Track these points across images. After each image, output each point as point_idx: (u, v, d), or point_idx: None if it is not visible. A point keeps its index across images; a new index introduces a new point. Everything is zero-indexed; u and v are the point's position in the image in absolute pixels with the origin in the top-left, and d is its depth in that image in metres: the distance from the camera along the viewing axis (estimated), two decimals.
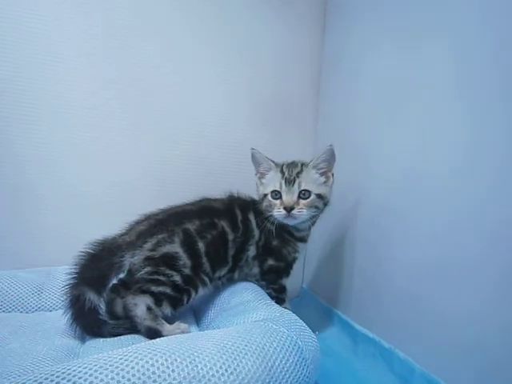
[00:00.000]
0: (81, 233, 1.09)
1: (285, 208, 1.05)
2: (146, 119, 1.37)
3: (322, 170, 1.10)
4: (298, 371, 0.71)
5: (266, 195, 1.11)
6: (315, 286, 1.48)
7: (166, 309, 0.98)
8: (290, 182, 1.07)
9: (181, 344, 0.69)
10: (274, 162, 1.14)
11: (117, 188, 1.36)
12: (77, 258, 0.97)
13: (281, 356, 0.71)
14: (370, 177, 1.16)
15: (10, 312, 1.10)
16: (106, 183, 1.35)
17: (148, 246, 1.01)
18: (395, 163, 1.06)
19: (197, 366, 0.64)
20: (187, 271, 1.01)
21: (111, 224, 1.04)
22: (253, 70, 1.47)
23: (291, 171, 1.09)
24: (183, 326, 0.98)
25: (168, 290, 0.99)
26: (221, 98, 1.45)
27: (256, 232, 1.14)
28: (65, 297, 0.94)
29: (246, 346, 0.70)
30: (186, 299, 1.02)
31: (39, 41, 1.24)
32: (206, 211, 1.11)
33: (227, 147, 1.46)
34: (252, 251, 1.14)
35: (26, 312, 1.12)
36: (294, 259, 1.18)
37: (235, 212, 1.14)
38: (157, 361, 0.63)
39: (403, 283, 0.99)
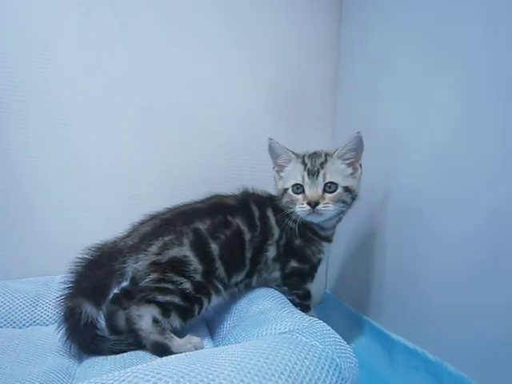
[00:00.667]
0: (80, 240, 0.90)
1: (308, 203, 0.92)
2: (157, 119, 1.28)
3: (348, 161, 0.97)
4: None
5: (286, 190, 0.98)
6: (340, 290, 1.34)
7: (175, 321, 0.86)
8: (313, 173, 0.94)
9: (192, 365, 0.55)
10: (294, 152, 1.01)
11: (121, 191, 1.25)
12: (72, 265, 0.85)
13: (315, 377, 0.57)
14: (400, 166, 1.03)
15: (1, 327, 0.98)
16: (109, 186, 1.24)
17: (153, 249, 0.88)
18: (426, 151, 0.95)
19: None
20: (198, 277, 0.88)
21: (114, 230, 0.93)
22: (268, 62, 1.38)
23: (314, 162, 0.96)
24: (195, 339, 0.86)
25: (177, 300, 0.86)
26: (239, 92, 1.35)
27: (276, 230, 1.01)
28: (58, 309, 0.82)
29: (272, 365, 0.56)
30: (197, 309, 0.89)
31: (36, 38, 1.15)
32: (217, 208, 0.98)
33: (244, 142, 1.35)
34: (272, 252, 1.01)
35: (19, 327, 1.00)
36: (319, 261, 1.05)
37: (251, 208, 1.01)
38: None
39: (451, 285, 0.85)
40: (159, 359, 0.59)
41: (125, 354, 0.82)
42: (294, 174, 0.98)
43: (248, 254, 0.97)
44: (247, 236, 0.97)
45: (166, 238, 0.89)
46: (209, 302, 0.91)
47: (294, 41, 1.40)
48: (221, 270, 0.92)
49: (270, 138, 1.02)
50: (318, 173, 0.94)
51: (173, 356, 0.61)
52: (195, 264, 0.88)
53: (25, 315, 1.01)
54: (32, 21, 1.14)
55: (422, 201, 0.95)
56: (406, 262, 1.00)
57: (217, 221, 0.95)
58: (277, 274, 1.04)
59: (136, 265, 0.87)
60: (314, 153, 1.01)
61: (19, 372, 0.75)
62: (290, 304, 0.91)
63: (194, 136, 1.31)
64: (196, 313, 0.89)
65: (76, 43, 1.18)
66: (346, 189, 0.95)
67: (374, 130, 1.13)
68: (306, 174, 0.95)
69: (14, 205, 1.16)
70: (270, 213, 1.02)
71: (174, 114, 1.28)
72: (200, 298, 0.89)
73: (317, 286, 1.37)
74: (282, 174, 1.03)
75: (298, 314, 0.82)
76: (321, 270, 1.41)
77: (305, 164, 0.97)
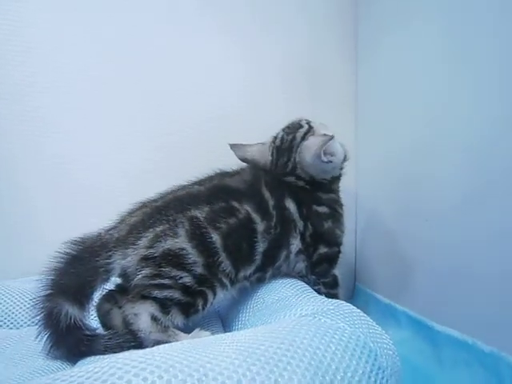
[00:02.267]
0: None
1: None
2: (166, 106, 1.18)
3: None
4: None
5: None
6: (372, 281, 1.20)
7: (176, 317, 0.72)
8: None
9: (187, 352, 0.44)
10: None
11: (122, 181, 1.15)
12: (51, 262, 0.72)
13: (344, 365, 0.45)
14: (439, 143, 0.90)
15: None
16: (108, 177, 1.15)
17: (143, 242, 0.74)
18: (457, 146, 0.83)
19: None
20: (200, 270, 0.75)
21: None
22: (281, 43, 1.27)
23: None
24: (205, 334, 0.73)
25: (176, 295, 0.73)
26: (250, 74, 1.25)
27: (299, 222, 0.89)
28: (35, 313, 0.70)
29: (288, 350, 0.44)
30: (201, 304, 0.75)
31: (35, 33, 1.08)
32: (218, 192, 0.83)
33: (257, 128, 1.23)
34: (296, 246, 0.88)
35: (17, 328, 0.90)
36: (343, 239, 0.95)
37: (262, 193, 0.87)
38: (145, 379, 0.39)
39: (504, 263, 0.71)
40: (149, 349, 0.48)
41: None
42: None
43: (260, 248, 0.83)
44: (260, 226, 0.83)
45: (158, 229, 0.75)
46: (214, 295, 0.77)
47: (307, 18, 1.29)
48: (226, 264, 0.78)
49: None
50: None
51: (166, 344, 0.49)
52: (194, 257, 0.75)
53: (22, 315, 0.92)
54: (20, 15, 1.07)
55: (460, 196, 0.82)
56: (446, 243, 0.86)
57: (217, 207, 0.80)
58: (301, 265, 0.91)
59: (124, 261, 0.73)
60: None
61: (4, 372, 0.65)
62: (313, 291, 0.78)
63: (203, 121, 1.21)
64: (200, 308, 0.75)
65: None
66: None
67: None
68: None
69: (12, 203, 1.09)
70: (289, 203, 0.89)
71: (184, 98, 1.19)
72: (204, 292, 0.76)
73: (346, 280, 1.24)
74: None
75: (321, 298, 0.70)
76: (349, 262, 1.30)
77: None
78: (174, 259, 0.73)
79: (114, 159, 1.15)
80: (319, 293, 0.86)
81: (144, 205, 0.81)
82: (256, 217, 0.83)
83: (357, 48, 1.30)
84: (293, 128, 0.94)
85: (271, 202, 0.86)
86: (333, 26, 1.31)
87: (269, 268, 0.86)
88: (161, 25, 1.17)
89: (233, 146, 0.96)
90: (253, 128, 1.15)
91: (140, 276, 0.72)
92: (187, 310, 0.74)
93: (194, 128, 1.20)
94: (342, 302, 0.63)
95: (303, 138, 0.92)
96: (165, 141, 1.18)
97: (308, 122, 0.94)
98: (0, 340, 0.81)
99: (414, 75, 0.98)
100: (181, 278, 0.73)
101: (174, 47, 1.18)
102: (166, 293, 0.72)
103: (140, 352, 0.44)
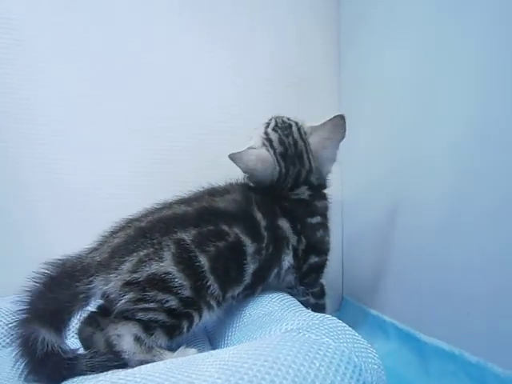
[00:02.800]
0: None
1: None
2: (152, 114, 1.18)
3: None
4: None
5: None
6: (360, 294, 1.20)
7: (159, 339, 0.70)
8: None
9: (169, 372, 0.44)
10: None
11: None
12: (28, 283, 0.69)
13: (328, 381, 0.44)
14: (425, 150, 0.91)
15: None
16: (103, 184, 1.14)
17: (127, 266, 0.71)
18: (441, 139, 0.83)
19: None
20: (187, 293, 0.72)
21: None
22: (265, 46, 1.28)
23: None
24: (191, 351, 0.72)
25: (161, 317, 0.71)
26: (236, 80, 1.26)
27: (292, 237, 0.88)
28: (11, 339, 0.66)
29: (272, 367, 0.44)
30: (186, 326, 0.74)
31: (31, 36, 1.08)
32: (207, 215, 0.80)
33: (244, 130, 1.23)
34: (288, 262, 0.87)
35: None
36: None
37: (254, 215, 0.84)
38: None
39: (489, 276, 0.72)
40: (130, 370, 0.47)
41: None
42: None
43: (249, 270, 0.81)
44: (250, 249, 0.81)
45: (142, 253, 0.72)
46: (200, 317, 0.75)
47: (292, 23, 1.31)
48: (214, 287, 0.76)
49: None
50: None
51: (148, 365, 0.48)
52: (181, 280, 0.72)
53: (3, 335, 0.89)
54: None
55: (447, 207, 0.83)
56: (432, 254, 0.87)
57: (205, 231, 0.78)
58: (290, 277, 0.91)
59: (106, 287, 0.70)
60: None
61: None
62: (300, 304, 0.78)
63: (191, 128, 1.21)
64: (184, 330, 0.74)
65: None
66: None
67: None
68: None
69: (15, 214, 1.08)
70: (282, 222, 0.87)
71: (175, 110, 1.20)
72: (190, 314, 0.74)
73: (333, 292, 1.24)
74: None
75: (307, 312, 0.69)
76: (336, 274, 1.30)
77: None
78: (160, 283, 0.71)
79: (112, 169, 1.15)
80: (308, 304, 0.87)
81: (127, 224, 0.78)
82: (246, 239, 0.81)
83: (340, 53, 1.32)
84: (284, 127, 0.93)
85: (263, 223, 0.84)
86: (318, 35, 1.33)
87: (258, 286, 0.85)
88: (155, 37, 1.19)
89: (233, 157, 0.90)
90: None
91: (123, 301, 0.70)
92: (171, 331, 0.72)
93: (183, 140, 1.20)
94: (328, 315, 0.62)
95: (302, 136, 0.92)
96: (163, 151, 1.19)
97: (288, 118, 0.95)
98: None
99: (398, 79, 1.00)
100: (167, 301, 0.71)
101: (169, 60, 1.20)
102: (151, 315, 0.70)
103: (121, 373, 0.44)
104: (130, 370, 0.45)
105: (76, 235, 0.76)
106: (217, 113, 1.23)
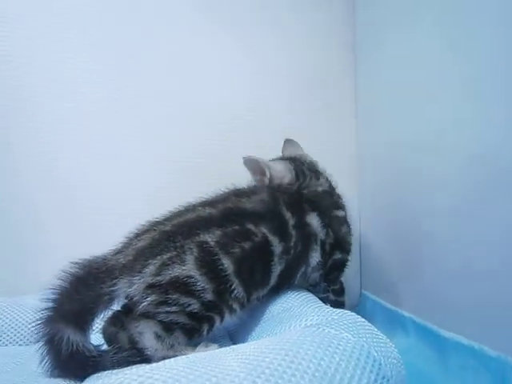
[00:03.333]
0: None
1: None
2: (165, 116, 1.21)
3: None
4: None
5: None
6: (378, 289, 1.20)
7: (178, 338, 0.71)
8: None
9: (193, 366, 0.45)
10: None
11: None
12: (55, 281, 0.71)
13: (348, 375, 0.45)
14: (443, 142, 0.90)
15: (6, 346, 0.91)
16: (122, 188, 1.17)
17: (150, 269, 0.71)
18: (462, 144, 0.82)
19: None
20: (209, 296, 0.73)
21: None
22: (278, 52, 1.29)
23: None
24: (212, 347, 0.74)
25: (182, 319, 0.72)
26: (252, 85, 1.28)
27: (321, 231, 0.89)
28: (37, 336, 0.69)
29: (293, 362, 0.45)
30: (206, 329, 0.74)
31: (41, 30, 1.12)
32: (233, 215, 0.80)
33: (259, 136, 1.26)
34: (316, 258, 0.88)
35: (26, 344, 0.91)
36: None
37: (282, 213, 0.84)
38: None
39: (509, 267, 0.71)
40: (155, 363, 0.49)
41: None
42: None
43: (276, 271, 0.81)
44: (277, 248, 0.81)
45: (165, 257, 0.72)
46: (221, 320, 0.76)
47: (308, 27, 1.31)
48: (239, 290, 0.75)
49: None
50: None
51: (172, 359, 0.50)
52: (203, 283, 0.72)
53: (31, 331, 0.91)
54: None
55: (466, 198, 0.82)
56: (452, 247, 0.87)
57: (230, 231, 0.77)
58: (316, 274, 0.91)
59: (130, 289, 0.71)
60: None
61: None
62: (319, 300, 0.79)
63: (206, 131, 1.23)
64: (204, 332, 0.74)
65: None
66: None
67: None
68: None
69: (21, 220, 1.11)
70: (311, 218, 0.88)
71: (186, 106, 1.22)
72: (211, 317, 0.74)
73: (352, 288, 1.24)
74: None
75: (326, 308, 0.70)
76: (354, 270, 1.30)
77: None
78: (182, 286, 0.71)
79: (126, 174, 1.18)
80: (327, 300, 0.88)
81: (152, 227, 0.78)
82: (274, 239, 0.80)
83: (355, 51, 1.32)
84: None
85: (291, 222, 0.84)
86: (332, 27, 1.33)
87: (284, 286, 0.85)
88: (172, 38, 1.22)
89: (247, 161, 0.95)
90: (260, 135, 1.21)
91: (145, 303, 0.70)
92: (191, 333, 0.73)
93: (200, 142, 1.22)
94: (347, 311, 0.63)
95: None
96: (175, 155, 1.21)
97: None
98: (10, 357, 0.82)
99: (413, 78, 0.99)
100: (189, 305, 0.71)
101: (182, 61, 1.22)
102: (172, 317, 0.71)
103: (147, 367, 0.45)
104: (154, 364, 0.47)
105: (106, 236, 0.76)
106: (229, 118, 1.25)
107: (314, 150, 1.09)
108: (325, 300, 0.85)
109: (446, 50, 0.86)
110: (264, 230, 0.80)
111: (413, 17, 0.98)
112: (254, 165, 0.93)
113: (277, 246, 0.80)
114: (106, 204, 1.15)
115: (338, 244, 0.92)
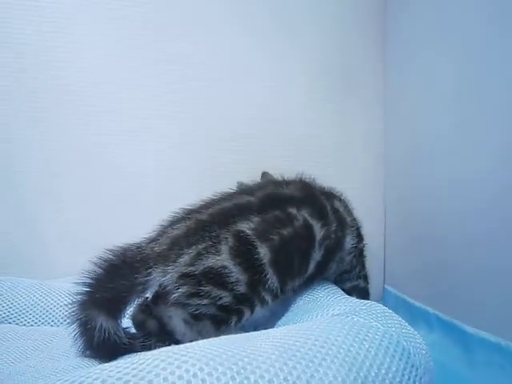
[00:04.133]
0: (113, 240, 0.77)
1: None
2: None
3: None
4: None
5: None
6: (402, 284, 1.20)
7: (206, 327, 0.71)
8: None
9: (225, 346, 0.46)
10: None
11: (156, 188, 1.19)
12: (90, 268, 0.70)
13: (378, 362, 0.46)
14: (469, 141, 0.89)
15: (38, 325, 0.94)
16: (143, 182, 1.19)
17: (185, 259, 0.70)
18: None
19: (248, 379, 0.41)
20: (242, 289, 0.70)
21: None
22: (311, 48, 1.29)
23: None
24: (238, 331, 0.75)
25: (211, 311, 0.71)
26: (282, 79, 1.28)
27: (349, 217, 0.89)
28: (71, 320, 0.69)
29: (322, 347, 0.46)
30: (234, 321, 0.72)
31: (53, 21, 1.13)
32: (272, 201, 0.78)
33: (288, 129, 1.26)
34: (349, 243, 0.87)
35: (57, 325, 0.95)
36: None
37: (319, 198, 0.83)
38: (187, 371, 0.41)
39: None
40: (189, 343, 0.50)
41: None
42: None
43: (317, 256, 0.79)
44: (319, 233, 0.78)
45: (200, 247, 0.70)
46: (251, 313, 0.74)
47: (339, 20, 1.31)
48: (273, 280, 0.72)
49: None
50: None
51: (205, 340, 0.51)
52: (237, 275, 0.70)
53: (62, 313, 0.96)
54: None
55: (491, 194, 0.82)
56: (478, 244, 0.86)
57: (270, 217, 0.74)
58: (350, 257, 0.89)
59: (164, 278, 0.70)
60: None
61: (48, 367, 0.68)
62: (343, 293, 0.79)
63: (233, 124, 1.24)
64: (232, 324, 0.72)
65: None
66: None
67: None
68: None
69: (44, 205, 1.15)
70: (338, 203, 0.88)
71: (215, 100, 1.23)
72: (241, 310, 0.72)
73: (375, 283, 1.24)
74: None
75: (353, 299, 0.70)
76: (378, 265, 1.30)
77: None
78: (216, 277, 0.69)
79: (151, 166, 1.21)
80: (357, 289, 0.90)
81: (187, 215, 0.76)
82: (314, 223, 0.78)
83: (384, 50, 1.31)
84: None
85: (328, 207, 0.83)
86: (361, 26, 1.32)
87: (319, 276, 0.84)
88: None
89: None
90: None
91: (177, 294, 0.70)
92: (219, 324, 0.72)
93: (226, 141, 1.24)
94: (374, 302, 0.64)
95: None
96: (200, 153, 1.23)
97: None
98: (43, 336, 0.85)
99: (442, 76, 0.98)
100: (220, 298, 0.69)
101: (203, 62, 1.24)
102: (202, 310, 0.70)
103: (181, 346, 0.47)
104: (188, 344, 0.48)
105: (137, 223, 0.78)
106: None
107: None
108: (354, 289, 0.88)
109: (475, 56, 0.86)
110: (305, 214, 0.77)
111: (443, 12, 0.97)
112: None
113: (318, 232, 0.78)
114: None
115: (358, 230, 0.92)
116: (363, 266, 0.94)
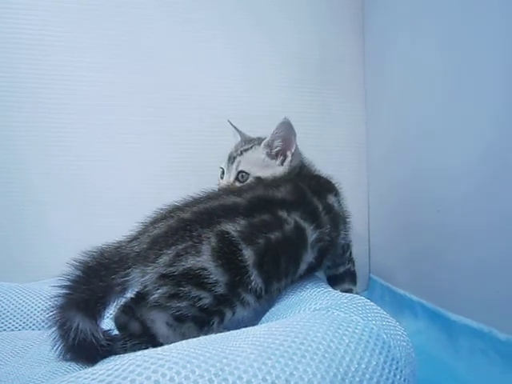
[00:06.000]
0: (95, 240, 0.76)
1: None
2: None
3: (275, 149, 0.93)
4: (388, 378, 0.45)
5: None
6: (387, 273, 1.20)
7: (189, 328, 0.70)
8: (231, 160, 0.95)
9: (203, 348, 0.45)
10: (243, 135, 1.02)
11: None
12: (68, 269, 0.69)
13: (357, 357, 0.45)
14: (450, 132, 0.89)
15: (19, 330, 0.92)
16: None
17: (164, 259, 0.68)
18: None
19: (226, 380, 0.40)
20: (221, 290, 0.69)
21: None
22: (289, 40, 1.29)
23: (239, 147, 0.95)
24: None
25: (192, 312, 0.70)
26: (263, 74, 1.27)
27: (340, 211, 0.90)
28: (49, 322, 0.68)
29: (302, 344, 0.45)
30: (216, 321, 0.71)
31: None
32: (262, 204, 0.76)
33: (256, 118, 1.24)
34: (342, 237, 0.89)
35: (38, 329, 0.93)
36: None
37: (310, 198, 0.81)
38: (163, 375, 0.40)
39: None
40: (166, 346, 0.49)
41: None
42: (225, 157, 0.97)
43: (309, 258, 0.78)
44: (311, 236, 0.77)
45: (180, 247, 0.69)
46: (233, 314, 0.73)
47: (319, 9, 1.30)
48: (257, 282, 0.71)
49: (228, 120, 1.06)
50: (235, 160, 0.94)
51: (183, 341, 0.51)
52: (216, 276, 0.69)
53: (44, 316, 0.93)
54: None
55: (472, 185, 0.82)
56: (460, 232, 0.86)
57: (258, 221, 0.73)
58: (342, 242, 0.90)
59: (143, 279, 0.69)
60: (251, 139, 0.98)
61: (27, 373, 0.67)
62: (327, 284, 0.79)
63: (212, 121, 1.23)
64: (214, 325, 0.71)
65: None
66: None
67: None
68: (227, 159, 0.96)
69: (27, 207, 1.13)
70: (331, 198, 0.87)
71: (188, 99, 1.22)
72: (222, 311, 0.71)
73: (360, 272, 1.24)
74: None
75: (335, 292, 0.70)
76: (362, 253, 1.30)
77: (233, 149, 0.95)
78: (195, 278, 0.68)
79: (129, 164, 1.20)
80: (348, 273, 0.93)
81: (169, 214, 0.75)
82: (307, 226, 0.77)
83: (364, 40, 1.30)
84: None
85: (320, 206, 0.82)
86: (339, 17, 1.31)
87: (313, 271, 0.84)
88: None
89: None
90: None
91: (156, 295, 0.68)
92: (202, 325, 0.71)
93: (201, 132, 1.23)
94: (356, 295, 0.64)
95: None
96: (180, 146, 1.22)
97: None
98: (23, 341, 0.83)
99: (423, 64, 0.98)
100: (200, 299, 0.68)
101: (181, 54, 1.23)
102: (183, 311, 0.69)
103: (158, 349, 0.46)
104: (166, 346, 0.47)
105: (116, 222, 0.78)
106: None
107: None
108: (346, 274, 0.92)
109: (456, 46, 0.85)
110: (296, 217, 0.76)
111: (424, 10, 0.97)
112: (287, 134, 0.92)
113: (310, 234, 0.77)
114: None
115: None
116: (351, 250, 0.96)
